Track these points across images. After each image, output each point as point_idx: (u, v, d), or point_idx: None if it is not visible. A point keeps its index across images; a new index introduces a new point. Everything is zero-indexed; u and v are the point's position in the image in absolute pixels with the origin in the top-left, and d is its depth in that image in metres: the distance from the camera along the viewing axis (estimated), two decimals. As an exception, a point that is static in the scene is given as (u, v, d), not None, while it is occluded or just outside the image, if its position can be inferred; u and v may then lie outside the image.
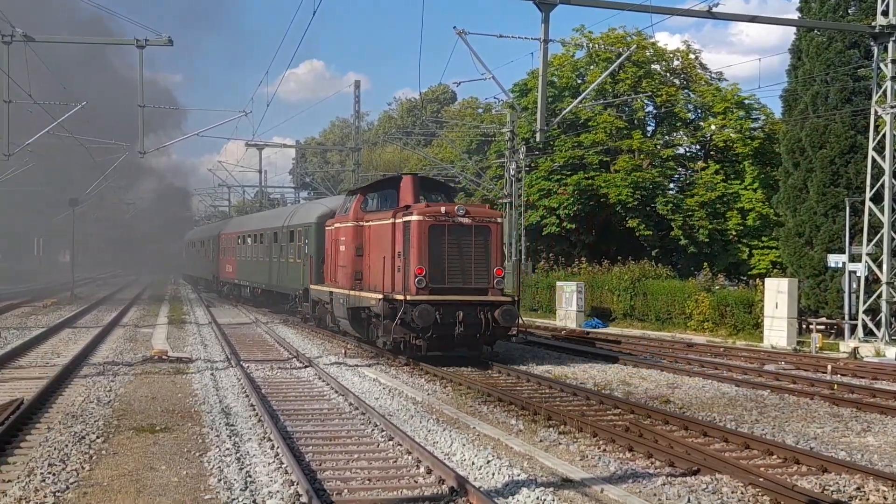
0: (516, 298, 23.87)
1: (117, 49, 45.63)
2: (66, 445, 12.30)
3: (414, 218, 22.32)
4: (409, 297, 21.76)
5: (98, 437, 12.96)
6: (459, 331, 21.94)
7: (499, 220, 23.93)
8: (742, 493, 10.66)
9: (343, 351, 24.96)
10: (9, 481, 10.52)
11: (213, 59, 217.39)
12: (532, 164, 51.08)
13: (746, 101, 50.25)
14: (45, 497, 9.83)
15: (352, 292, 25.53)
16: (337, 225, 28.04)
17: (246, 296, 46.80)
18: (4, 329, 30.60)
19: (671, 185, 52.33)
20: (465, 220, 22.56)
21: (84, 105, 37.42)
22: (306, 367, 21.61)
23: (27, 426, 13.68)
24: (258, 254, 43.47)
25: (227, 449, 12.33)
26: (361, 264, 25.72)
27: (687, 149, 54.65)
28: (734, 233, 48.07)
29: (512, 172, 46.66)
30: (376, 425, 13.98)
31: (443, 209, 22.64)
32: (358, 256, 25.90)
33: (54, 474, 10.76)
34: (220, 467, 11.31)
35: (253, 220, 51.49)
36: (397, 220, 23.19)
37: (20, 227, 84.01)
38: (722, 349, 27.23)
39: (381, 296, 22.86)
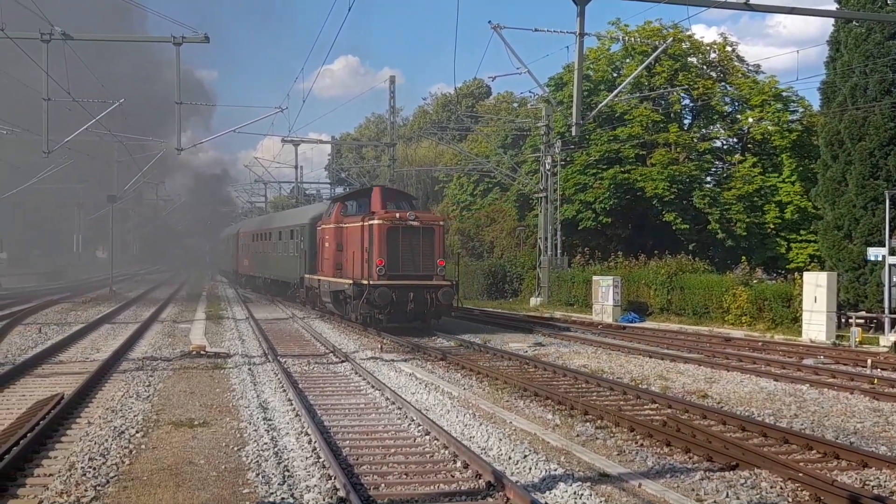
0: (455, 282, 30.47)
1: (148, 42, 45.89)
2: (107, 440, 12.41)
3: (376, 221, 29.05)
4: (372, 282, 28.42)
5: (137, 432, 13.07)
6: (411, 307, 28.56)
7: (441, 223, 31.63)
8: (781, 487, 10.60)
9: (379, 346, 25.10)
10: (50, 475, 10.63)
11: (251, 56, 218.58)
12: (567, 159, 50.92)
13: (784, 94, 49.84)
14: (85, 491, 9.92)
15: (333, 279, 32.42)
16: (323, 226, 34.88)
17: (259, 286, 53.96)
18: (45, 325, 30.92)
19: (708, 179, 51.98)
20: (415, 223, 29.48)
21: (122, 102, 37.76)
22: (343, 361, 21.68)
23: (68, 421, 13.81)
24: (267, 249, 50.67)
25: (265, 443, 12.39)
26: (341, 258, 32.07)
27: (724, 142, 54.27)
28: (772, 226, 47.70)
29: (547, 167, 46.56)
30: (413, 420, 14.01)
31: (398, 215, 29.42)
32: (338, 251, 32.30)
33: (95, 468, 10.86)
34: (258, 462, 11.37)
35: (263, 221, 59.99)
36: (365, 223, 29.67)
37: (59, 224, 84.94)
38: (760, 343, 27.04)
39: (352, 281, 29.63)
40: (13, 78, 41.99)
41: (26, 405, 14.87)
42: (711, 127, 52.91)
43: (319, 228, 35.77)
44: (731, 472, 11.24)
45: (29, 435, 12.08)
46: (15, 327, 29.77)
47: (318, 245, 35.82)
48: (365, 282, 28.63)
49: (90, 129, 38.37)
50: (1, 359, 21.61)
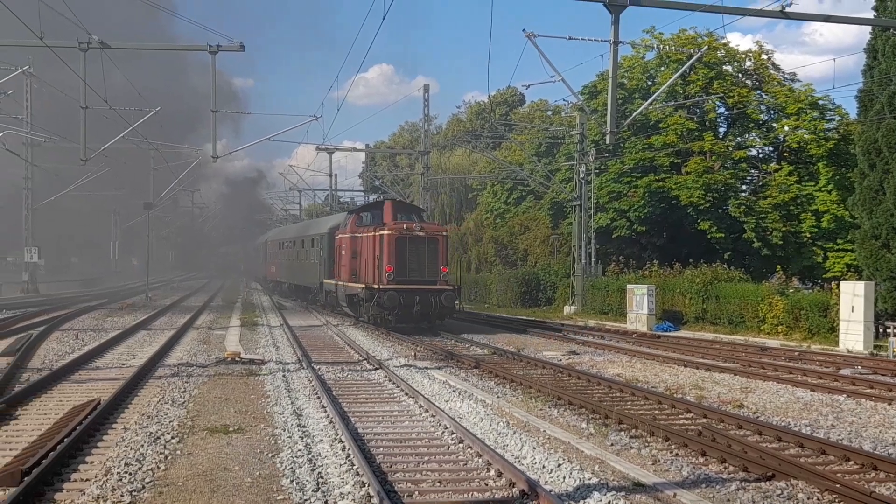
0: (457, 287, 34.19)
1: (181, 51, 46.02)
2: (142, 445, 12.49)
3: (386, 232, 32.37)
4: (381, 286, 31.72)
5: (173, 438, 13.14)
6: (417, 309, 31.67)
7: (445, 233, 34.80)
8: (818, 499, 10.50)
9: (413, 353, 25.11)
10: (87, 480, 10.71)
11: (285, 64, 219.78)
12: (602, 167, 50.81)
13: (820, 102, 49.39)
14: (121, 496, 9.99)
15: (348, 284, 35.75)
16: (340, 235, 38.25)
17: (284, 291, 58.40)
18: (82, 331, 31.19)
19: (744, 188, 51.68)
20: (421, 234, 32.79)
21: (158, 110, 38.05)
22: (376, 369, 21.71)
23: (104, 426, 13.92)
24: (290, 257, 54.71)
25: (300, 450, 12.43)
26: (355, 264, 35.15)
27: (759, 150, 53.94)
28: (808, 235, 47.30)
29: (581, 175, 46.48)
30: (446, 427, 14.01)
31: (405, 226, 32.73)
32: (353, 259, 35.39)
33: (130, 474, 10.93)
34: (292, 468, 11.40)
35: (287, 231, 64.83)
36: (376, 234, 32.91)
37: (96, 231, 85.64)
38: (796, 353, 26.80)
39: (364, 286, 32.98)
40: (51, 86, 42.45)
41: (63, 410, 14.99)
42: (747, 135, 52.63)
43: (337, 238, 39.01)
44: (768, 483, 11.15)
45: (66, 440, 12.20)
46: (52, 333, 30.08)
47: (336, 253, 39.03)
48: (376, 286, 32.03)
49: (126, 136, 38.69)
50: (39, 364, 21.84)
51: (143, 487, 10.42)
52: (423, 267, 32.72)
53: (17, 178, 60.39)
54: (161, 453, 12.13)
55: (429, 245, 32.97)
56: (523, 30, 27.78)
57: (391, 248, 32.11)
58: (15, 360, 21.40)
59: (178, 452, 12.30)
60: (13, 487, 10.04)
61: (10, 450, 12.27)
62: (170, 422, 14.35)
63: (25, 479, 10.20)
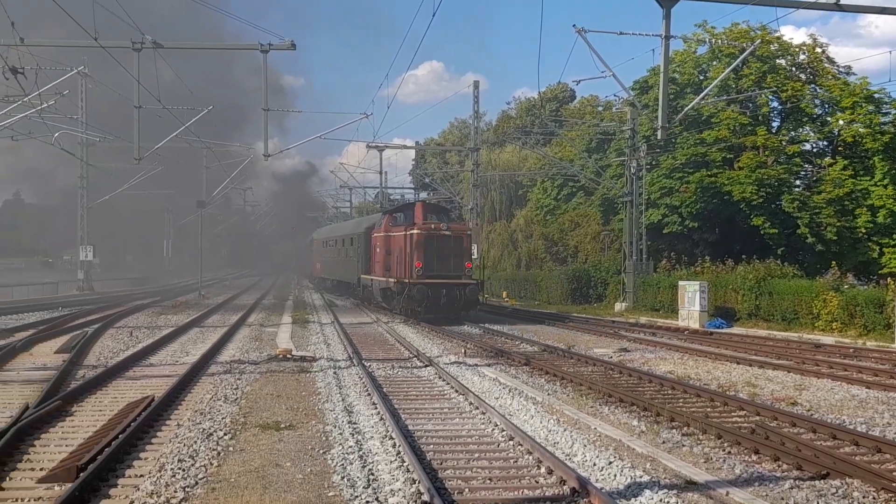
0: (480, 281, 38.10)
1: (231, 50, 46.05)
2: (195, 442, 12.60)
3: (415, 231, 35.62)
4: (411, 281, 34.96)
5: (225, 434, 13.25)
6: (443, 302, 34.98)
7: (468, 232, 38.66)
8: (874, 497, 10.36)
9: (463, 350, 25.10)
10: (141, 476, 10.82)
11: (335, 62, 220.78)
12: (653, 162, 50.46)
13: (876, 95, 48.65)
14: (175, 492, 10.08)
15: (382, 279, 38.91)
16: (375, 234, 41.79)
17: (328, 286, 62.13)
18: (136, 328, 31.55)
19: (797, 183, 51.08)
20: (447, 233, 35.97)
21: (210, 109, 38.39)
22: (426, 366, 21.73)
23: (157, 423, 14.05)
24: (332, 255, 58.98)
25: (350, 447, 12.47)
26: (389, 261, 38.32)
27: (813, 145, 53.27)
28: (864, 230, 46.66)
29: (632, 170, 46.16)
30: (497, 425, 13.98)
31: (433, 226, 36.00)
32: (387, 255, 38.68)
33: (184, 470, 11.03)
34: (343, 465, 11.44)
35: (330, 230, 68.39)
36: (407, 233, 36.10)
37: (149, 229, 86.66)
38: (851, 350, 26.43)
39: (396, 280, 36.27)
40: (105, 85, 42.99)
41: (118, 407, 15.16)
42: (801, 130, 51.99)
43: (373, 236, 42.43)
44: (822, 482, 11.01)
45: (120, 436, 12.32)
46: (107, 331, 30.46)
47: (372, 250, 42.50)
48: (407, 280, 35.25)
49: (178, 135, 39.10)
50: (94, 361, 22.12)
51: (197, 483, 10.51)
52: (449, 263, 35.76)
53: (72, 178, 61.35)
54: (214, 450, 12.23)
55: (454, 243, 36.13)
56: (574, 25, 27.75)
57: (420, 245, 35.35)
58: (71, 358, 21.71)
59: (231, 449, 12.40)
60: (69, 483, 10.17)
61: (67, 446, 12.43)
62: (222, 418, 14.47)
63: (81, 474, 10.33)
